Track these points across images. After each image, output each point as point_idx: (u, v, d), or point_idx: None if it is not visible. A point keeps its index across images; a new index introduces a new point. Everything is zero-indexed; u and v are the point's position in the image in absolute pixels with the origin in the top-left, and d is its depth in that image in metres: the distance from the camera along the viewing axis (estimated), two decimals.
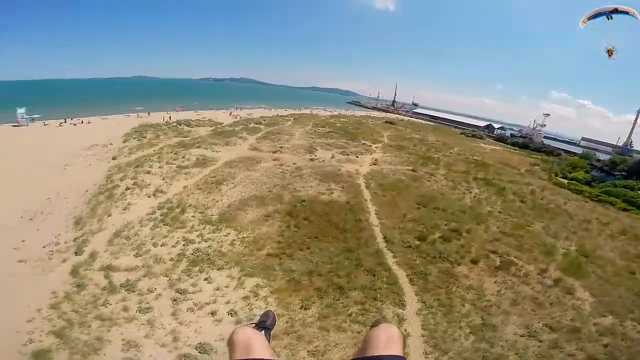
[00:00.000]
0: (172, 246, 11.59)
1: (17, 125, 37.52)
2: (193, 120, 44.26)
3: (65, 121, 40.79)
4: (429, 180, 22.58)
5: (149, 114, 51.65)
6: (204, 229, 12.95)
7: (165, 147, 26.24)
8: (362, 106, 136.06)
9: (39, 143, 29.20)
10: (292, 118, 55.04)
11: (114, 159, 23.49)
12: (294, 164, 23.14)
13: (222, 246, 11.77)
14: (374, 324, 1.33)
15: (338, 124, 50.84)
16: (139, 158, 22.37)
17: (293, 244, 12.11)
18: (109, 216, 13.57)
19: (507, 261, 12.38)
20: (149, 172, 18.93)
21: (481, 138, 70.44)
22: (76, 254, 10.87)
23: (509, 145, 66.25)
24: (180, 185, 17.78)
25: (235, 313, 8.73)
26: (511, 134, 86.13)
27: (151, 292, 9.21)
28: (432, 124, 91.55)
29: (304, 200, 15.95)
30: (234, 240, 12.27)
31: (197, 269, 10.31)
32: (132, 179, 17.73)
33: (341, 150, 29.68)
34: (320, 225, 13.68)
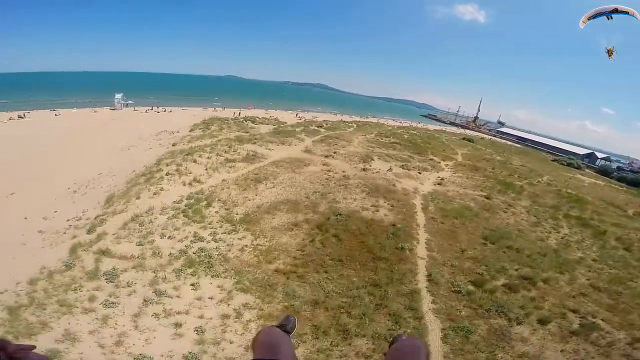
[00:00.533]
0: (179, 240, 10.61)
1: (114, 109, 43.94)
2: (259, 118, 45.65)
3: (152, 108, 46.29)
4: (505, 211, 18.10)
5: (223, 109, 55.43)
6: (220, 227, 11.75)
7: (223, 139, 26.78)
8: (438, 120, 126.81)
9: (121, 125, 33.00)
10: (355, 125, 52.97)
11: (173, 145, 24.73)
12: (343, 171, 20.99)
13: (230, 250, 10.35)
14: (396, 339, 1.33)
15: (405, 136, 46.94)
16: (194, 147, 22.96)
17: (310, 262, 10.03)
18: (137, 199, 13.42)
19: (590, 324, 8.67)
20: (195, 161, 18.94)
21: (579, 168, 57.83)
22: (88, 232, 10.59)
23: (614, 181, 53.29)
24: (220, 178, 17.22)
25: (203, 332, 7.20)
26: (618, 167, 71.27)
27: (129, 286, 8.31)
28: (519, 146, 79.58)
29: (340, 214, 13.69)
30: (246, 246, 10.75)
31: (190, 271, 9.06)
32: (177, 165, 17.85)
33: (402, 163, 26.42)
34: (351, 246, 11.31)
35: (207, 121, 36.23)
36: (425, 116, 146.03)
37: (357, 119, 69.14)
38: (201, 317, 7.55)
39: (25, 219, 11.91)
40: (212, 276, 8.95)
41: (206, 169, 18.04)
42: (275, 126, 39.80)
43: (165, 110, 46.94)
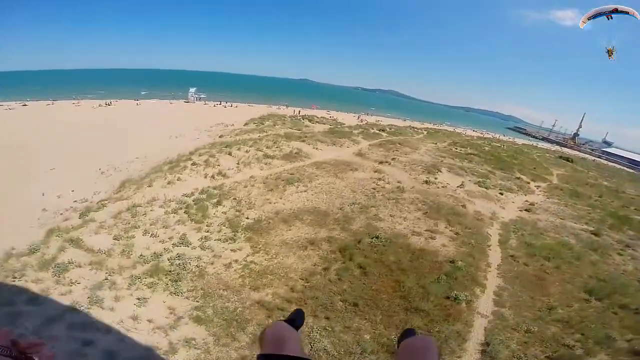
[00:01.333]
0: (161, 241, 8.88)
1: (187, 102, 47.44)
2: (318, 117, 44.07)
3: (220, 103, 48.75)
4: (621, 254, 12.46)
5: (287, 107, 55.66)
6: (218, 231, 9.69)
7: (272, 135, 25.51)
8: (528, 134, 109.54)
9: (184, 116, 34.63)
10: (425, 132, 47.57)
11: (220, 137, 24.30)
12: (398, 182, 17.39)
13: (213, 263, 8.12)
14: (405, 334, 1.31)
15: (486, 147, 40.00)
16: (238, 140, 22.00)
17: (311, 300, 7.16)
18: (149, 186, 12.33)
19: None
20: (230, 154, 17.68)
21: None
22: (80, 216, 9.49)
23: None
24: (250, 174, 15.48)
25: None
26: None
27: (70, 284, 6.76)
28: (632, 171, 62.62)
29: (378, 237, 10.38)
30: (237, 261, 8.40)
31: (148, 281, 7.14)
32: (210, 156, 16.74)
33: (479, 179, 21.36)
34: (379, 285, 8.02)
35: (264, 117, 35.85)
36: (512, 129, 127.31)
37: (430, 126, 62.79)
38: (120, 341, 5.42)
39: (43, 195, 11.64)
40: (170, 293, 6.83)
41: (238, 163, 16.50)
42: (331, 126, 37.61)
43: (232, 106, 48.87)
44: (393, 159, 23.28)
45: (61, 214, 10.10)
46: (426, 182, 18.67)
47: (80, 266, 7.25)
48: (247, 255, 8.61)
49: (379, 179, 17.57)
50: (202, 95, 50.28)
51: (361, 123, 46.37)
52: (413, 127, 51.16)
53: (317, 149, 23.31)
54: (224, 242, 9.14)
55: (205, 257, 8.32)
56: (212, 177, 14.29)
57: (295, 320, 1.39)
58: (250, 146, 19.77)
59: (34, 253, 7.60)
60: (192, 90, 48.45)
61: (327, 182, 15.83)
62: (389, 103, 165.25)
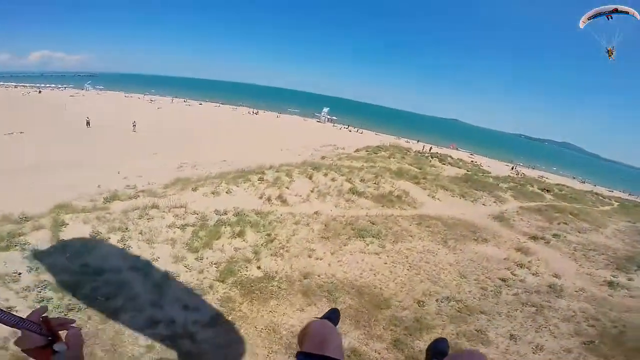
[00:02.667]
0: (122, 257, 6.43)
1: (319, 121, 49.70)
2: (453, 158, 36.96)
3: (348, 127, 48.86)
4: None
5: (417, 141, 50.58)
6: (199, 273, 6.53)
7: (380, 168, 21.60)
8: None
9: (307, 132, 35.18)
10: (616, 203, 32.63)
11: (322, 158, 22.26)
12: (554, 275, 10.43)
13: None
14: (437, 345, 1.29)
15: None
16: (332, 164, 19.23)
17: None
18: (193, 190, 10.88)
19: None
20: (310, 177, 14.88)
21: None
22: (104, 201, 8.84)
23: None
24: (315, 209, 12.17)
25: None
26: None
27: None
28: None
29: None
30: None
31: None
32: (286, 175, 14.39)
33: None
34: None
35: (382, 146, 32.31)
36: None
37: (625, 196, 43.85)
38: None
39: (118, 173, 12.10)
40: None
41: (312, 191, 13.45)
42: (469, 172, 30.18)
43: (358, 131, 48.05)
44: (555, 235, 15.09)
45: (100, 194, 10.24)
46: (609, 284, 10.50)
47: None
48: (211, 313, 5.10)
49: (520, 265, 10.89)
50: (333, 118, 51.87)
51: (515, 175, 36.14)
52: (597, 194, 36.16)
53: (434, 197, 17.75)
54: (204, 293, 6.01)
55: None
56: (268, 199, 11.68)
57: (332, 319, 1.35)
58: (341, 174, 16.47)
59: (19, 223, 7.21)
60: (325, 110, 50.58)
61: (423, 250, 10.66)
62: (561, 158, 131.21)
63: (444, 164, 31.64)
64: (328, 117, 51.60)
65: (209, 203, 10.41)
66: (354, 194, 14.47)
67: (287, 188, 13.01)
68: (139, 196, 10.82)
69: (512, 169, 44.93)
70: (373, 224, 11.85)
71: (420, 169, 25.29)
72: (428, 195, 17.83)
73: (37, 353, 0.79)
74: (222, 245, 8.23)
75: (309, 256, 8.62)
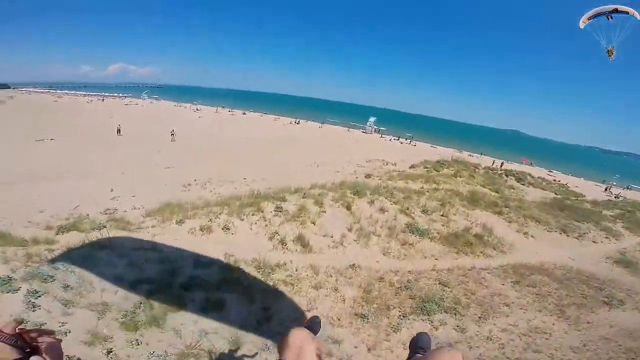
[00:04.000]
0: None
1: (364, 132, 45.30)
2: (532, 177, 29.97)
3: (398, 138, 43.68)
4: None
5: (481, 154, 43.58)
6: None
7: (446, 191, 16.57)
8: None
9: (350, 144, 31.02)
10: None
11: (366, 176, 17.91)
12: None
13: None
14: (419, 339, 1.39)
15: None
16: (381, 186, 14.77)
17: None
18: (178, 222, 7.20)
19: None
20: (348, 207, 10.67)
21: None
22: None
23: None
24: (351, 260, 8.07)
25: None
26: None
27: None
28: None
29: None
30: None
31: None
32: (315, 202, 10.34)
33: None
34: None
35: (444, 161, 26.82)
36: None
37: None
38: None
39: (111, 190, 9.20)
40: None
41: (349, 229, 9.24)
42: (558, 195, 23.57)
43: (410, 142, 42.63)
44: None
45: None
46: None
47: None
48: None
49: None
50: (380, 128, 47.09)
51: (615, 199, 28.10)
52: None
53: (525, 233, 12.64)
54: None
55: None
56: (282, 242, 7.75)
57: (313, 327, 1.44)
58: (393, 201, 11.97)
59: None
60: (372, 120, 46.03)
61: (530, 330, 6.05)
62: None
63: (524, 185, 25.34)
64: (375, 127, 46.93)
65: (192, 244, 6.81)
66: (413, 232, 9.94)
67: (314, 223, 8.98)
68: (104, 227, 7.63)
69: (606, 189, 35.95)
70: (445, 285, 7.36)
71: (497, 192, 19.66)
72: (517, 232, 12.75)
73: None
74: (180, 325, 4.45)
75: (330, 355, 4.42)
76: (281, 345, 1.09)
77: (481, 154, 44.60)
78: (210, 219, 8.21)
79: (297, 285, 6.44)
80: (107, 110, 45.59)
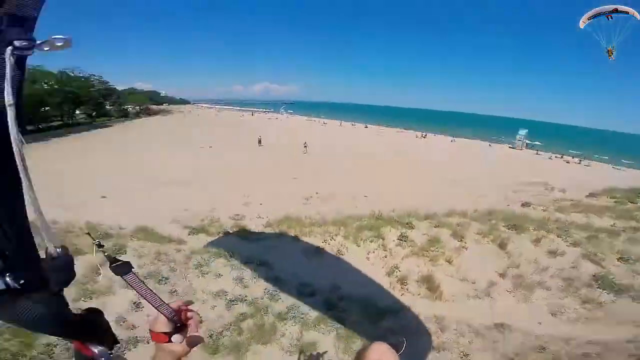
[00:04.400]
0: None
1: (512, 147, 37.61)
2: None
3: (562, 157, 34.29)
4: None
5: None
6: None
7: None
8: None
9: (496, 165, 25.82)
10: None
11: (524, 205, 13.82)
12: None
13: None
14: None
15: None
16: (554, 221, 10.87)
17: None
18: (296, 238, 6.46)
19: None
20: (502, 245, 7.94)
21: None
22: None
23: None
24: (494, 317, 5.47)
25: None
26: None
27: None
28: None
29: None
30: None
31: None
32: (453, 234, 8.09)
33: None
34: None
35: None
36: None
37: None
38: None
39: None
40: None
41: (502, 273, 6.60)
42: None
43: (579, 163, 32.76)
44: None
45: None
46: None
47: None
48: None
49: None
50: (535, 143, 37.97)
51: None
52: None
53: None
54: None
55: None
56: (401, 281, 6.14)
57: (397, 345, 1.30)
58: (572, 243, 8.33)
59: None
60: (522, 132, 37.62)
61: None
62: None
63: None
64: (526, 141, 38.21)
65: (302, 266, 6.02)
66: (604, 287, 6.44)
67: (449, 262, 6.84)
68: (229, 232, 7.73)
69: None
70: None
71: None
72: None
73: (157, 335, 0.83)
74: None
75: None
76: (361, 356, 1.06)
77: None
78: (324, 240, 7.24)
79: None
80: (255, 124, 53.77)
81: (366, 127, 61.52)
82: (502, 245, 7.91)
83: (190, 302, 0.90)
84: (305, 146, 29.19)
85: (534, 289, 6.57)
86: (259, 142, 32.25)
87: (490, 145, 40.11)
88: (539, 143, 38.09)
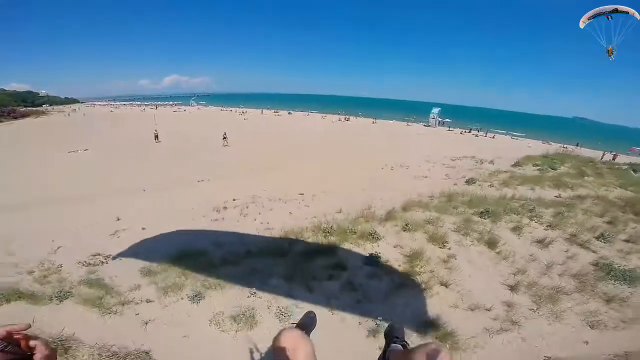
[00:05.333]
0: None
1: (427, 125, 39.61)
2: None
3: (470, 130, 37.26)
4: None
5: (577, 145, 35.16)
6: None
7: (592, 199, 10.81)
8: None
9: (420, 142, 25.65)
10: None
11: (467, 181, 12.77)
12: None
13: None
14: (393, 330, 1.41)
15: None
16: (518, 201, 9.68)
17: None
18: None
19: None
20: (491, 244, 5.88)
21: None
22: None
23: None
24: (542, 342, 3.09)
25: None
26: None
27: None
28: None
29: None
30: None
31: None
32: (430, 239, 5.73)
33: None
34: None
35: (551, 156, 20.32)
36: None
37: None
38: None
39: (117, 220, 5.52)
40: None
41: (514, 285, 4.51)
42: None
43: (485, 135, 35.82)
44: None
45: None
46: None
47: None
48: None
49: None
50: (446, 120, 40.72)
51: None
52: None
53: None
54: None
55: None
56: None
57: (308, 323, 1.45)
58: (548, 225, 6.90)
59: None
60: (435, 111, 39.93)
61: None
62: None
63: None
64: (439, 119, 40.60)
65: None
66: (615, 277, 4.92)
67: (446, 286, 4.43)
68: (64, 298, 3.98)
69: None
70: None
71: None
72: None
73: None
74: None
75: None
76: (274, 347, 1.04)
77: (577, 144, 36.06)
78: (248, 296, 4.08)
79: None
80: (155, 117, 45.12)
81: (290, 113, 59.01)
82: (490, 244, 5.95)
83: (27, 326, 0.72)
84: (225, 138, 24.92)
85: (557, 299, 4.67)
86: (156, 137, 26.47)
87: (408, 124, 41.60)
88: (449, 120, 40.98)
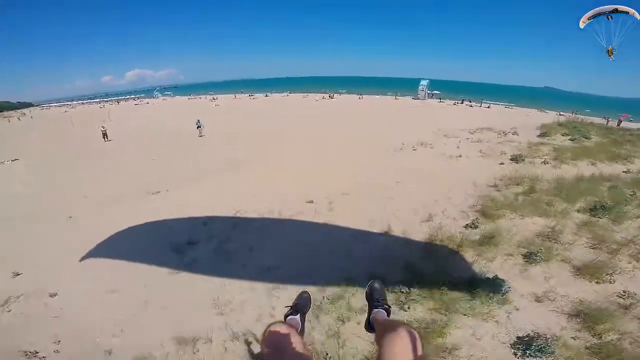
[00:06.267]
0: None
1: (415, 98, 36.76)
2: None
3: (462, 102, 35.27)
4: None
5: (573, 112, 33.82)
6: None
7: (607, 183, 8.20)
8: None
9: (416, 116, 22.72)
10: None
11: (514, 159, 9.93)
12: None
13: None
14: (373, 291, 1.35)
15: None
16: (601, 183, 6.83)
17: None
18: None
19: None
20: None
21: None
22: None
23: None
24: None
25: None
26: None
27: None
28: None
29: None
30: None
31: None
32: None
33: None
34: None
35: (572, 124, 17.97)
36: None
37: None
38: None
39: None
40: None
41: None
42: None
43: (481, 106, 33.73)
44: None
45: None
46: None
47: None
48: None
49: None
50: (435, 92, 38.23)
51: None
52: None
53: None
54: None
55: None
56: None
57: (302, 304, 1.37)
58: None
59: None
60: (424, 83, 37.48)
61: None
62: None
63: None
64: (428, 91, 38.06)
65: None
66: None
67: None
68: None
69: None
70: None
71: None
72: None
73: None
74: None
75: None
76: (262, 342, 1.01)
77: (573, 112, 34.81)
78: None
79: None
80: (109, 113, 39.29)
81: (266, 95, 54.94)
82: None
83: None
84: (199, 127, 21.20)
85: None
86: (104, 136, 22.03)
87: (396, 98, 38.91)
88: (438, 92, 38.49)
